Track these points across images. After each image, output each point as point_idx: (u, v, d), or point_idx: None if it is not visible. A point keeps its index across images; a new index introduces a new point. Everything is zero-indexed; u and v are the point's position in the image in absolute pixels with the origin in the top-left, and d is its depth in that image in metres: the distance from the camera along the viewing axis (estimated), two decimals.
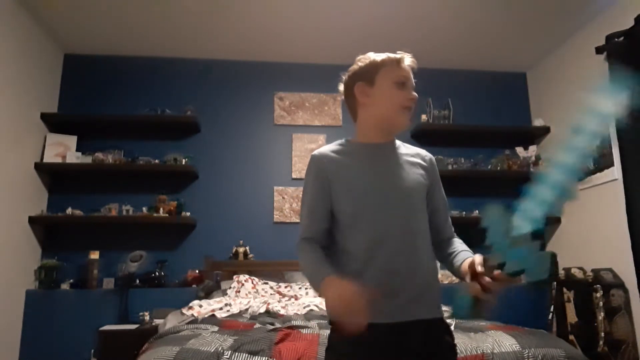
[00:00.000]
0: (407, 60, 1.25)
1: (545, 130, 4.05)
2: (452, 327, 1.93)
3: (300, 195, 1.37)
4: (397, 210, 1.16)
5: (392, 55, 1.25)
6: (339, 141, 1.28)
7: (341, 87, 1.32)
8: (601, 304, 2.98)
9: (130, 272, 3.35)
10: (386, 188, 1.18)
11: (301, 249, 1.18)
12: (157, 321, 2.95)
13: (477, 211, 3.85)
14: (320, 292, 1.05)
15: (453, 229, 1.31)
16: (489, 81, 4.31)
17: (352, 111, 1.30)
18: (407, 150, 1.30)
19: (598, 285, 3.03)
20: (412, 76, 1.25)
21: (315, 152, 1.25)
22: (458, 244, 1.24)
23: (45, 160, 3.52)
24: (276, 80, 4.12)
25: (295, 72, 4.15)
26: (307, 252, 1.17)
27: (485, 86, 4.29)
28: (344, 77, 1.31)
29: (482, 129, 4.12)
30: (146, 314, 3.15)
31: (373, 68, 1.23)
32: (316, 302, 2.66)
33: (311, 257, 1.15)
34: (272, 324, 2.05)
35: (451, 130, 4.08)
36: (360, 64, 1.27)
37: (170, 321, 2.49)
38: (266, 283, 3.14)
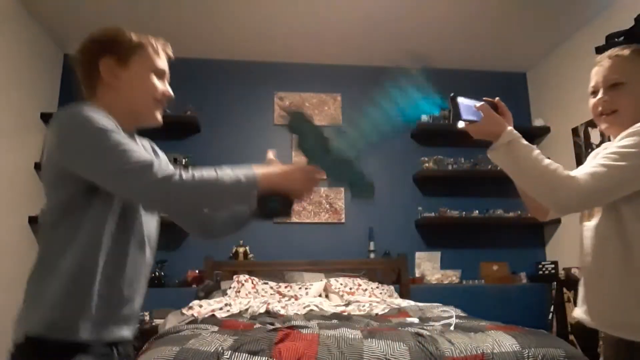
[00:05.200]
0: (169, 49, 1.16)
1: (545, 130, 4.05)
2: (451, 327, 1.94)
3: None
4: None
5: (154, 39, 1.12)
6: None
7: (76, 48, 1.10)
8: None
9: None
10: None
11: (189, 175, 0.97)
12: (157, 321, 2.95)
13: (476, 211, 3.85)
14: (261, 187, 1.03)
15: None
16: (489, 81, 4.30)
17: (87, 82, 1.10)
18: (143, 142, 1.23)
19: None
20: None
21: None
22: None
23: None
24: (276, 80, 4.12)
25: (295, 72, 4.14)
26: (200, 171, 0.99)
27: (485, 86, 4.28)
28: (84, 41, 1.09)
29: None
30: (146, 314, 3.15)
31: (130, 47, 1.09)
32: (316, 302, 2.65)
33: (212, 172, 1.00)
34: (272, 324, 2.05)
35: (451, 130, 4.07)
36: (111, 34, 1.09)
37: (170, 321, 2.49)
38: (266, 283, 3.14)
